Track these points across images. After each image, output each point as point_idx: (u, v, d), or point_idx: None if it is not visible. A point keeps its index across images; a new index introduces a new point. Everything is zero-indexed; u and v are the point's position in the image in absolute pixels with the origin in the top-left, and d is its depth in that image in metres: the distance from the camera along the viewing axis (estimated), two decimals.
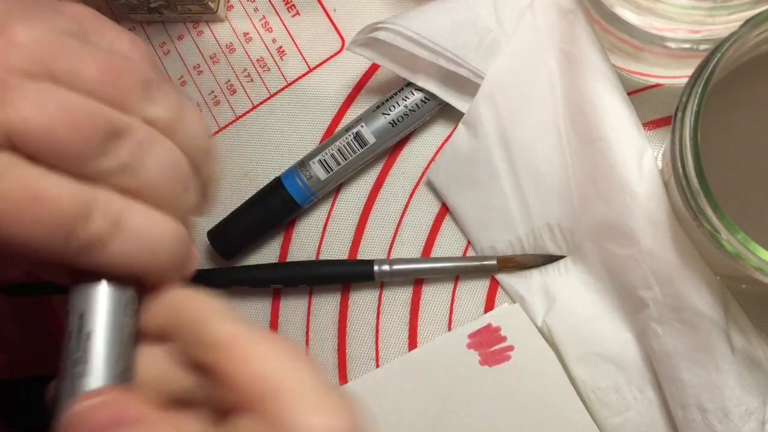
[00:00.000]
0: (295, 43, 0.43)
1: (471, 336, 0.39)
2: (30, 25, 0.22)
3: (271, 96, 0.43)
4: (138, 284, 0.24)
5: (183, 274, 0.25)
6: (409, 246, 0.41)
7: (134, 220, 0.23)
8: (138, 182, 0.22)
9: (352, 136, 0.39)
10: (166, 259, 0.24)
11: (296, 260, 0.41)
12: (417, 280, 0.40)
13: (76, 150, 0.21)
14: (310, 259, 0.41)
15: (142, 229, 0.23)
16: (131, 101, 0.23)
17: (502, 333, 0.38)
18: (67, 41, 0.22)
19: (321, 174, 0.39)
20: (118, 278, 0.23)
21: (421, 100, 0.39)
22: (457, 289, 0.40)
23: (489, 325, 0.39)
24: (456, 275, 0.40)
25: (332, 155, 0.39)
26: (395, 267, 0.39)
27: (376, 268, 0.39)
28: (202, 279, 0.41)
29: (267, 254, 0.42)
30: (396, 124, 0.39)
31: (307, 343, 0.41)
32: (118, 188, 0.22)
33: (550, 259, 0.38)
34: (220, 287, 0.41)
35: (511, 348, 0.38)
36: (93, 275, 0.23)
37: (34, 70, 0.21)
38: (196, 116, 0.25)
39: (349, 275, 0.40)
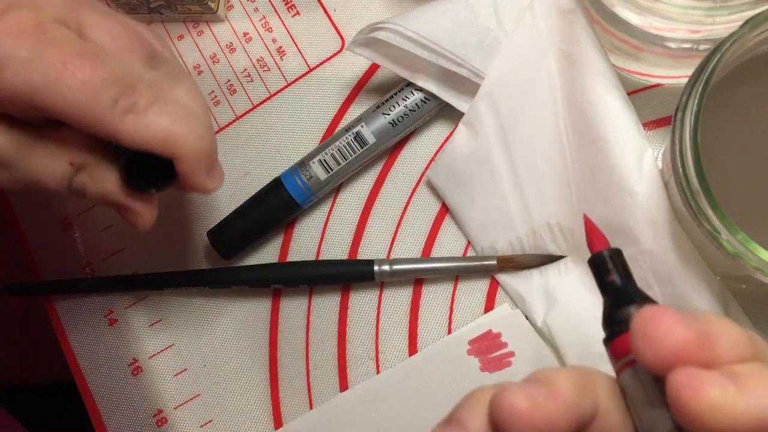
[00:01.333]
0: (295, 43, 0.43)
1: (471, 342, 0.39)
2: None
3: (271, 96, 0.43)
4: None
5: (209, 164, 0.29)
6: (409, 246, 0.41)
7: (180, 91, 0.28)
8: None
9: (352, 136, 0.39)
10: (198, 134, 0.28)
11: (296, 260, 0.41)
12: (417, 280, 0.40)
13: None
14: (310, 259, 0.41)
15: (185, 102, 0.28)
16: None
17: (503, 339, 0.38)
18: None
19: (321, 174, 0.39)
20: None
21: (421, 100, 0.39)
22: (457, 289, 0.40)
23: (489, 332, 0.38)
24: (456, 275, 0.40)
25: (332, 155, 0.39)
26: (395, 267, 0.39)
27: (376, 268, 0.39)
28: (202, 279, 0.41)
29: (267, 254, 0.42)
30: (396, 124, 0.39)
31: (307, 343, 0.41)
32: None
33: (551, 259, 0.38)
34: (220, 287, 0.41)
35: (511, 354, 0.38)
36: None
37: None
38: (192, 89, 0.30)
39: (349, 275, 0.40)
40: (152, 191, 0.30)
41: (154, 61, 0.29)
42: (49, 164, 0.28)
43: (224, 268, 0.41)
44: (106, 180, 0.29)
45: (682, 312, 0.20)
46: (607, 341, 0.23)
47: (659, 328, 0.19)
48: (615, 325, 0.23)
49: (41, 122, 0.27)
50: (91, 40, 0.27)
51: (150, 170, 0.29)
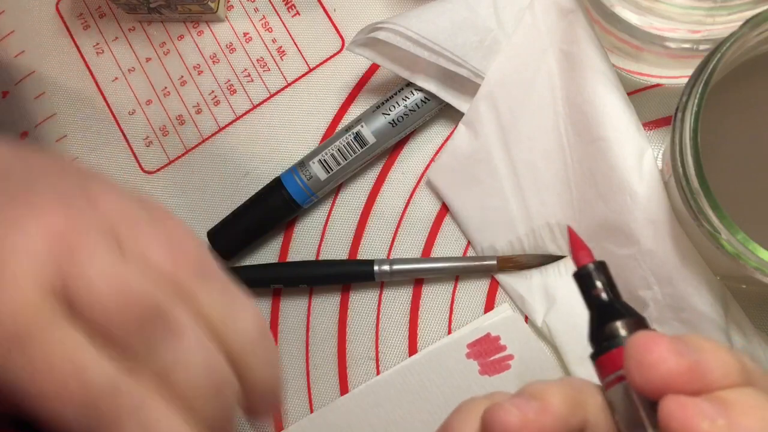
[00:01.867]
0: (295, 43, 0.43)
1: (470, 345, 0.38)
2: (110, 193, 0.22)
3: (271, 96, 0.43)
4: None
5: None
6: (409, 246, 0.41)
7: (155, 425, 0.21)
8: (173, 380, 0.22)
9: (352, 136, 0.39)
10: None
11: (296, 260, 0.41)
12: (417, 280, 0.40)
13: (124, 333, 0.21)
14: (310, 259, 0.41)
15: None
16: (188, 287, 0.23)
17: (502, 342, 0.38)
18: (139, 214, 0.22)
19: (321, 174, 0.39)
20: None
21: (421, 100, 0.39)
22: (458, 288, 0.40)
23: (488, 335, 0.38)
24: (456, 275, 0.40)
25: (332, 155, 0.39)
26: (395, 267, 0.39)
27: (376, 268, 0.39)
28: None
29: (267, 254, 0.42)
30: (396, 124, 0.39)
31: (307, 343, 0.41)
32: (152, 377, 0.21)
33: (550, 259, 0.38)
34: None
35: (510, 357, 0.38)
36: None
37: (106, 235, 0.22)
38: (250, 313, 0.24)
39: (349, 275, 0.40)
40: None
41: (164, 337, 0.22)
42: None
43: (224, 268, 0.41)
44: None
45: (674, 338, 0.20)
46: (595, 357, 0.23)
47: (652, 356, 0.20)
48: (602, 340, 0.22)
49: None
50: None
51: None
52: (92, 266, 0.21)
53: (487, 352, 0.38)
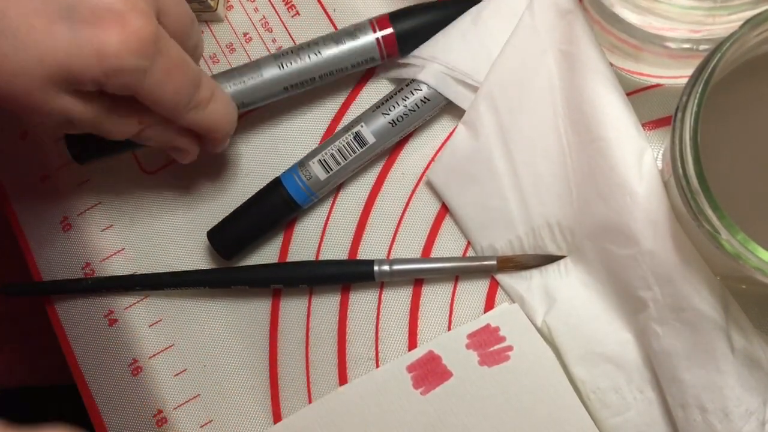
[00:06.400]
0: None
1: (470, 336, 0.39)
2: None
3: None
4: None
5: (232, 131, 0.38)
6: (409, 246, 0.41)
7: (219, 93, 0.36)
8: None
9: (351, 136, 0.39)
10: (232, 120, 0.37)
11: (296, 260, 0.41)
12: (417, 280, 0.40)
13: (187, 31, 0.35)
14: (310, 259, 0.41)
15: (224, 98, 0.37)
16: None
17: (501, 333, 0.38)
18: None
19: (321, 174, 0.39)
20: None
21: (421, 100, 0.39)
22: (457, 289, 0.40)
23: (488, 326, 0.39)
24: (456, 275, 0.40)
25: (332, 155, 0.39)
26: (395, 267, 0.39)
27: (376, 268, 0.39)
28: (202, 279, 0.41)
29: (267, 254, 0.42)
30: (396, 124, 0.39)
31: (307, 343, 0.41)
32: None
33: (550, 259, 0.38)
34: (220, 287, 0.41)
35: (510, 348, 0.38)
36: None
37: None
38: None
39: (349, 275, 0.40)
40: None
41: (197, 48, 0.37)
42: (122, 126, 0.34)
43: (224, 268, 0.41)
44: (166, 133, 0.36)
45: None
46: None
47: None
48: None
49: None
50: (164, 25, 0.32)
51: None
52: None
53: (487, 343, 0.38)
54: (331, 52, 0.39)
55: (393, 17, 0.39)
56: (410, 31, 0.39)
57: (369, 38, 0.39)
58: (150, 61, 0.31)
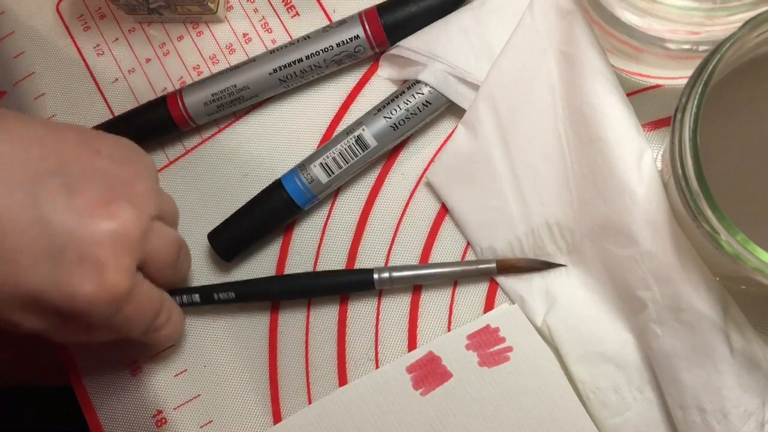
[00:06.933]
0: None
1: (470, 337, 0.39)
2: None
3: (271, 97, 0.43)
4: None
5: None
6: (409, 247, 0.41)
7: (175, 316, 0.39)
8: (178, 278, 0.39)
9: (353, 139, 0.39)
10: (180, 334, 0.40)
11: (294, 272, 0.41)
12: (416, 286, 0.40)
13: (172, 265, 0.37)
14: (309, 259, 0.41)
15: (178, 319, 0.39)
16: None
17: (501, 334, 0.38)
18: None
19: (322, 177, 0.39)
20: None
21: (423, 104, 0.39)
22: (457, 292, 0.40)
23: (488, 326, 0.39)
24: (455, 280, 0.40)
25: (333, 158, 0.39)
26: (395, 274, 0.39)
27: (375, 276, 0.39)
28: (198, 294, 0.40)
29: (267, 255, 0.42)
30: (397, 128, 0.39)
31: (306, 344, 0.41)
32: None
33: (550, 265, 0.38)
34: (216, 303, 0.40)
35: (510, 349, 0.38)
36: None
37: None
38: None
39: (349, 285, 0.40)
40: None
41: (183, 269, 0.39)
42: (72, 337, 0.35)
43: (221, 284, 0.40)
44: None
45: None
46: None
47: None
48: None
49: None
50: (149, 263, 0.35)
51: None
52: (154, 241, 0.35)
53: (487, 344, 0.38)
54: (318, 36, 0.40)
55: (380, 6, 0.40)
56: (397, 9, 0.40)
57: (354, 19, 0.40)
58: (117, 310, 0.33)
